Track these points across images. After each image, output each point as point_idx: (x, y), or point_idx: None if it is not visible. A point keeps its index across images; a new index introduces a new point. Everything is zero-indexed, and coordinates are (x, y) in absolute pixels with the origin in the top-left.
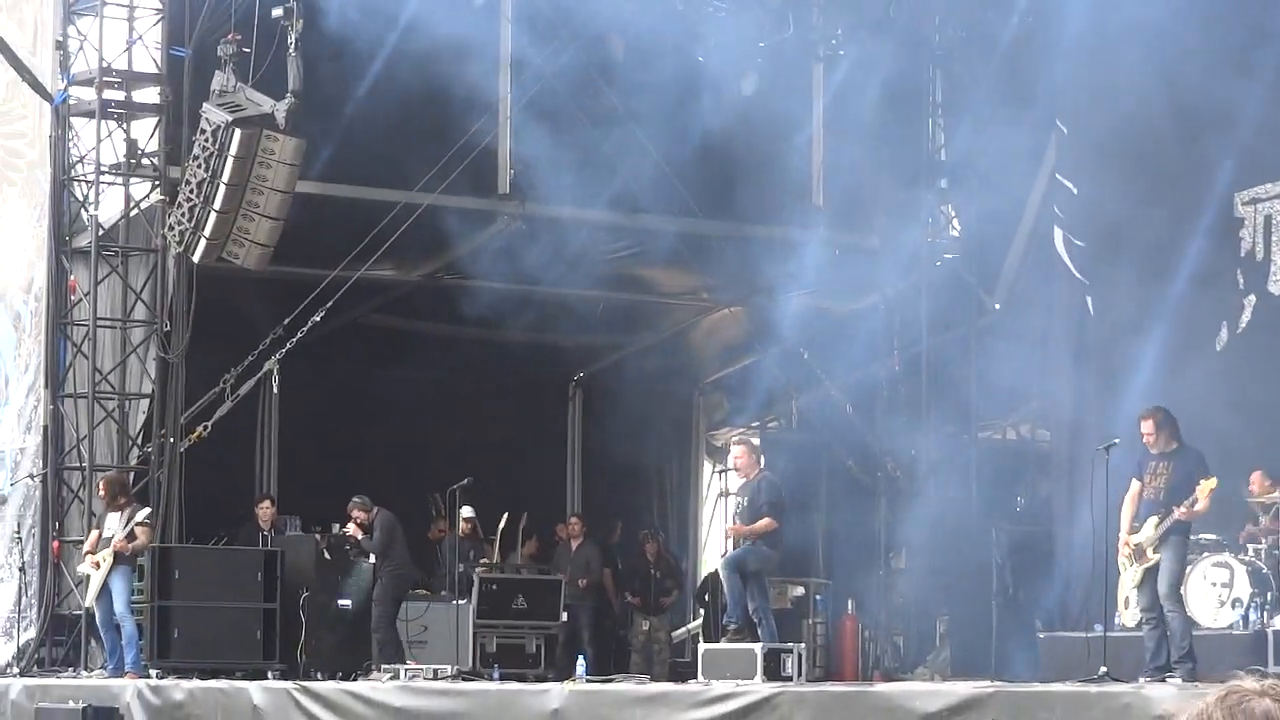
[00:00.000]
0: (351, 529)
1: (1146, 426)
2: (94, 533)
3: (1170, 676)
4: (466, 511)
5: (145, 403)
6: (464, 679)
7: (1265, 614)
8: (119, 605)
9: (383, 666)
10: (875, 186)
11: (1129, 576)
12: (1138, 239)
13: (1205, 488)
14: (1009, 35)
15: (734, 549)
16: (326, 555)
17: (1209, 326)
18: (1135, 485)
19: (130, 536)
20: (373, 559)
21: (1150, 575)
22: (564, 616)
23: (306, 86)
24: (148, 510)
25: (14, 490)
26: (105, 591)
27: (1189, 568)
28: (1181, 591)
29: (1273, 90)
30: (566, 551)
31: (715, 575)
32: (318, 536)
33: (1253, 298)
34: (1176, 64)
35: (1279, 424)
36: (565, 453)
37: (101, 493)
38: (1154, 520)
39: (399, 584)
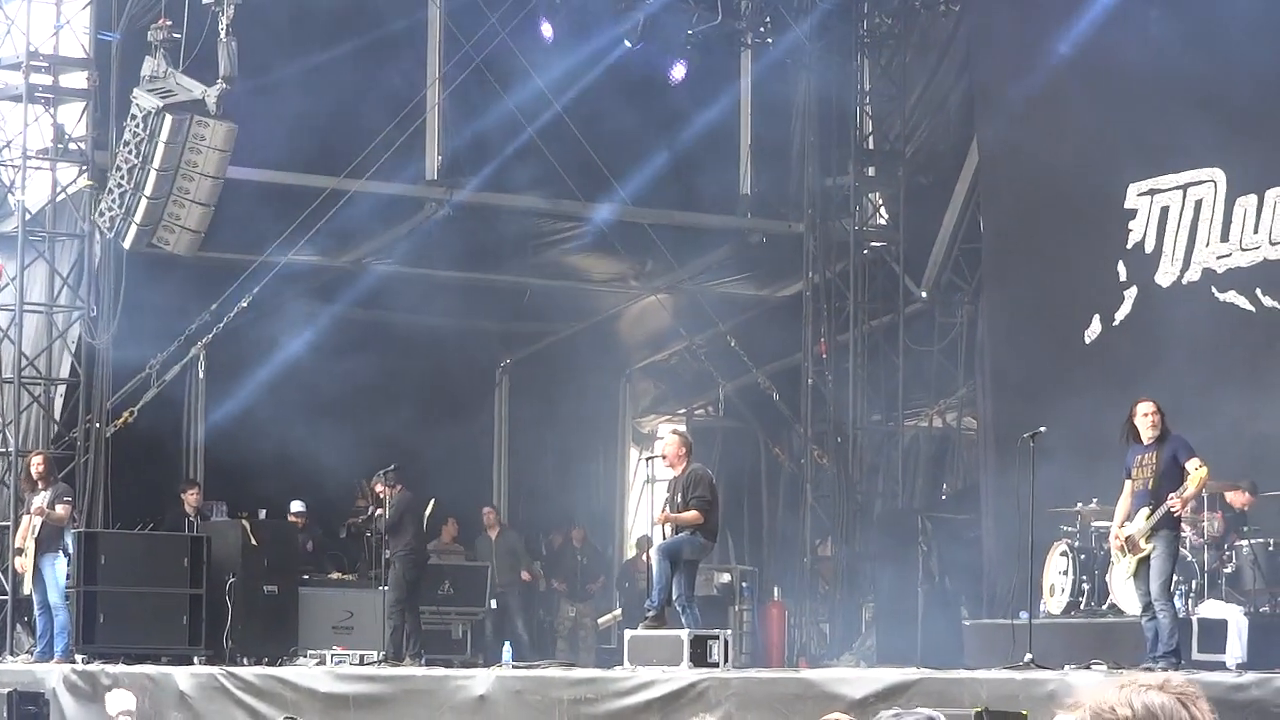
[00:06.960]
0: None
1: (1148, 408)
2: (25, 520)
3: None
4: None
5: (66, 387)
6: (390, 664)
7: (1190, 602)
8: (53, 595)
9: (409, 654)
10: (802, 174)
11: (1122, 568)
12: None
13: (1196, 477)
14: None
15: (669, 536)
16: (253, 540)
17: (1080, 317)
18: (1127, 484)
19: (50, 506)
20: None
21: (1145, 566)
22: (493, 604)
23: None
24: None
25: None
26: (40, 576)
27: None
28: (1171, 589)
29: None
30: (488, 542)
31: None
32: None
33: (1134, 290)
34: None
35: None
36: (492, 438)
37: (41, 467)
38: (1145, 511)
39: (410, 566)
